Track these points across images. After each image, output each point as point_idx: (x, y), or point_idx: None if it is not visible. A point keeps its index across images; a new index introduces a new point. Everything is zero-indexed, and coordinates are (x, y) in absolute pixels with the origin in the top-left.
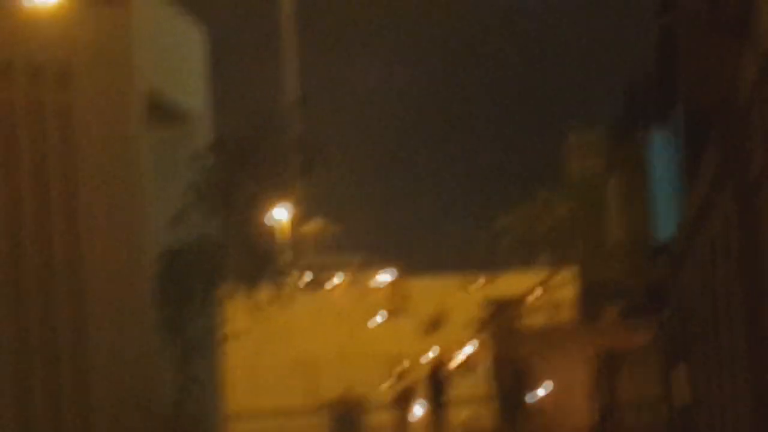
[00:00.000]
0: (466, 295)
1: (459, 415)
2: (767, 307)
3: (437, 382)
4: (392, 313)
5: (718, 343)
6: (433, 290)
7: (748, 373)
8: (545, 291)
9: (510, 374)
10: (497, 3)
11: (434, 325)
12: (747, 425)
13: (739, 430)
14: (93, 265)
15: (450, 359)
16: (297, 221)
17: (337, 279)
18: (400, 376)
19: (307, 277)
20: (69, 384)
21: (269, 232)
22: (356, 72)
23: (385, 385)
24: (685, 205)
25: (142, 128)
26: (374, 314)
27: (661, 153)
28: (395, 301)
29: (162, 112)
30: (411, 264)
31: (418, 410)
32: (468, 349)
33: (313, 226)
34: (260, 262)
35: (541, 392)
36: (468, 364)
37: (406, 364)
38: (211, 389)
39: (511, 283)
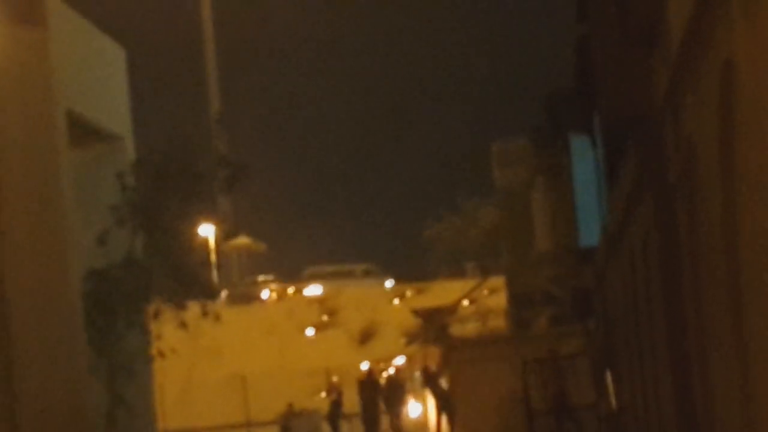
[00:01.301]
0: (395, 305)
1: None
2: (686, 310)
3: (370, 394)
4: (322, 327)
5: (640, 348)
6: (362, 302)
7: (671, 377)
8: (474, 300)
9: (437, 385)
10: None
11: (365, 337)
12: (673, 429)
13: None
14: (16, 288)
15: (382, 371)
16: (222, 238)
17: (265, 294)
18: (330, 390)
19: (235, 293)
20: None
21: (195, 250)
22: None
23: (317, 398)
24: (608, 211)
25: (63, 149)
26: (304, 328)
27: (583, 161)
28: (324, 314)
29: (83, 132)
30: (338, 277)
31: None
32: (398, 361)
33: (238, 242)
34: (187, 280)
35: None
36: (399, 377)
37: (335, 378)
38: (141, 409)
39: (441, 293)
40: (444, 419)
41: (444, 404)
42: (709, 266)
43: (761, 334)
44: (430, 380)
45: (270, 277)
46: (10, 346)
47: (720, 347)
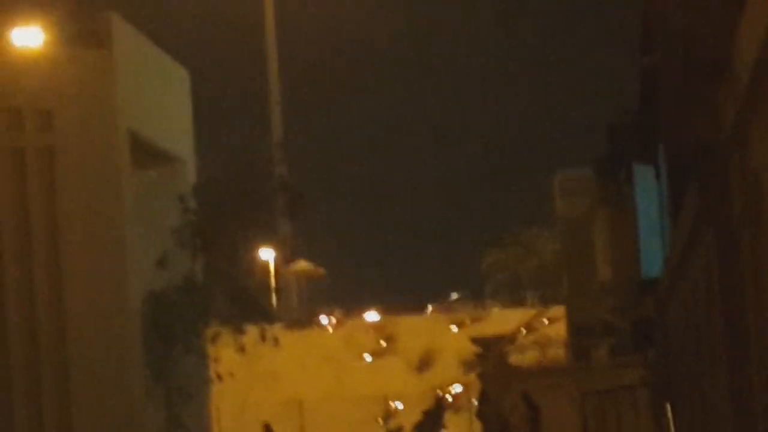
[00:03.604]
0: (453, 333)
1: None
2: (748, 345)
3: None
4: (379, 354)
5: (701, 384)
6: (421, 329)
7: (732, 413)
8: (533, 329)
9: (495, 414)
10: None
11: (423, 364)
12: None
13: None
14: (77, 308)
15: (443, 398)
16: (282, 263)
17: (324, 320)
18: (388, 417)
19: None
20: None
21: (254, 274)
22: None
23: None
24: (670, 242)
25: (126, 170)
26: (361, 354)
27: (646, 191)
28: (382, 340)
29: (145, 153)
30: (398, 303)
31: None
32: (457, 389)
33: (298, 267)
34: (246, 304)
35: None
36: (456, 404)
37: (393, 404)
38: (198, 431)
39: (499, 322)
40: None
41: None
42: None
43: None
44: (486, 409)
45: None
46: (68, 368)
47: None
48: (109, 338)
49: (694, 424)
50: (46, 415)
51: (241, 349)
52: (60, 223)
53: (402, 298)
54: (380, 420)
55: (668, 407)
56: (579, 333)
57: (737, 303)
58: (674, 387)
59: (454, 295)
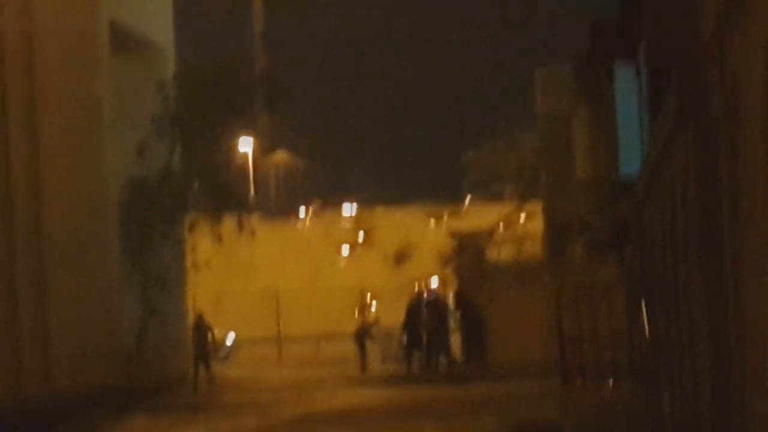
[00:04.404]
0: (431, 228)
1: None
2: (723, 246)
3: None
4: (357, 246)
5: (676, 281)
6: (398, 223)
7: (706, 312)
8: (510, 225)
9: (471, 308)
10: None
11: (400, 258)
12: (705, 367)
13: (697, 370)
14: (55, 193)
15: (423, 292)
16: (261, 153)
17: (302, 211)
18: (363, 308)
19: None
20: (29, 315)
21: (233, 164)
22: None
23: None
24: (649, 141)
25: (105, 57)
26: (339, 247)
27: (627, 90)
28: (360, 233)
29: (125, 41)
30: (376, 197)
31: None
32: (433, 283)
33: (277, 158)
34: (223, 194)
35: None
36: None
37: (368, 297)
38: (174, 319)
39: (477, 217)
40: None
41: (476, 327)
42: (747, 203)
43: None
44: (463, 304)
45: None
46: (44, 252)
47: (755, 286)
48: (86, 223)
49: (669, 322)
50: (22, 298)
51: (218, 239)
52: (38, 108)
53: (381, 192)
54: (356, 312)
55: (643, 305)
56: (556, 230)
57: (713, 201)
58: (649, 285)
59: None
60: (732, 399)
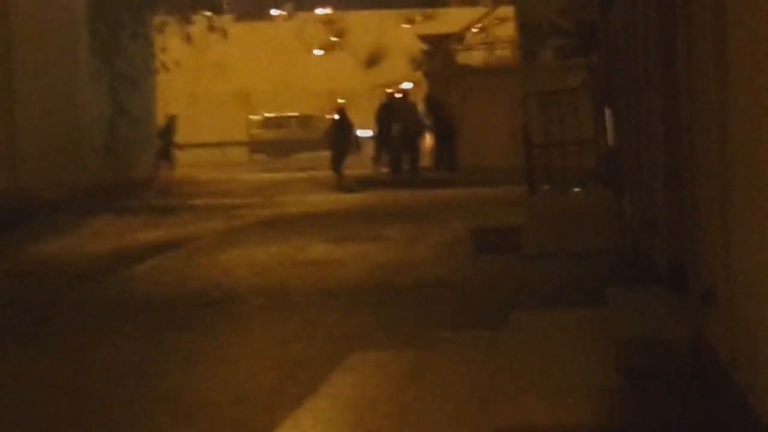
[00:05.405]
0: (404, 29)
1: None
2: (678, 58)
3: (385, 116)
4: (329, 48)
5: (637, 88)
6: (371, 25)
7: (661, 121)
8: (484, 29)
9: (442, 112)
10: None
11: (372, 61)
12: (659, 172)
13: (653, 176)
14: None
15: (395, 95)
16: None
17: (274, 12)
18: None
19: (243, 9)
20: None
21: None
22: None
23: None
24: None
25: None
26: (311, 48)
27: None
28: (333, 35)
29: None
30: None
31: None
32: (405, 86)
33: None
34: None
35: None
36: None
37: (341, 100)
38: (143, 119)
39: (451, 20)
40: (446, 147)
41: (447, 132)
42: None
43: (742, 88)
44: (434, 108)
45: None
46: (11, 47)
47: (705, 102)
48: (53, 17)
49: (630, 130)
50: None
51: (189, 39)
52: None
53: None
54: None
55: (607, 112)
56: (527, 33)
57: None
58: (614, 91)
59: None
60: (684, 202)
